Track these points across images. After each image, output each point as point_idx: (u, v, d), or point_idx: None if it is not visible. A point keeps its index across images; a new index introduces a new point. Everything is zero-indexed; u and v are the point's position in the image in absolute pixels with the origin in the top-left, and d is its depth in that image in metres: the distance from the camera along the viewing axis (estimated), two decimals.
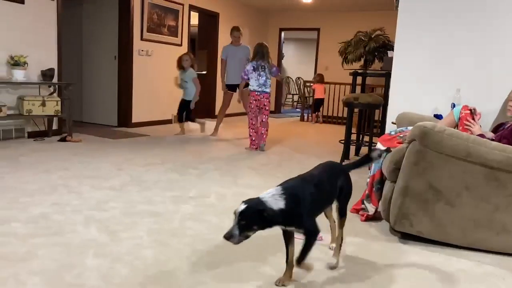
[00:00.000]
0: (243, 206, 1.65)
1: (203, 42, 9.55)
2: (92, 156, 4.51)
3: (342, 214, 2.11)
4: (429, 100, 3.89)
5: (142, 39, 6.99)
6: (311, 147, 6.02)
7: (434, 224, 2.45)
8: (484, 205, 2.38)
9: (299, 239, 2.44)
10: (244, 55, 6.20)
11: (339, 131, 7.44)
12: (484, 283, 2.09)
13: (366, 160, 2.22)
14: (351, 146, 5.04)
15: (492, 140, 2.58)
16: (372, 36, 6.52)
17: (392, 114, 4.00)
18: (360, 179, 3.74)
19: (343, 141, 5.05)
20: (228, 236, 1.63)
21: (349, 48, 6.90)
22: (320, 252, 2.28)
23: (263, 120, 5.51)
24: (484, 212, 2.38)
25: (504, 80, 3.59)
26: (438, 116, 3.61)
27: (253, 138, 5.43)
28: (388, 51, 6.11)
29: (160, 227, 2.57)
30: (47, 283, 1.83)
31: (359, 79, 5.77)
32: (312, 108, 9.78)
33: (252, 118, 5.43)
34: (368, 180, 3.01)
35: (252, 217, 1.64)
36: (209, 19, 9.02)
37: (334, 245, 2.21)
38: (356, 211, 3.01)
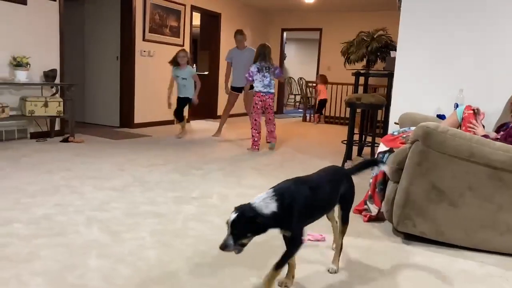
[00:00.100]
0: (233, 215, 1.62)
1: (205, 43, 9.56)
2: (95, 156, 4.52)
3: (344, 221, 2.05)
4: (432, 100, 3.88)
5: (144, 39, 6.99)
6: (313, 147, 6.01)
7: (437, 225, 2.44)
8: (488, 206, 2.37)
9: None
10: (249, 58, 6.20)
11: (342, 131, 7.43)
12: (487, 283, 2.08)
13: (370, 163, 2.20)
14: (353, 147, 5.02)
15: (497, 139, 2.57)
16: (375, 36, 6.50)
17: (394, 115, 3.99)
18: (362, 180, 3.73)
19: (345, 142, 5.04)
20: (223, 247, 1.62)
21: (351, 48, 6.88)
22: (320, 255, 2.27)
23: (270, 118, 5.56)
24: (488, 212, 2.37)
25: (507, 80, 3.58)
26: (441, 116, 3.60)
27: (256, 139, 5.43)
28: (390, 51, 6.10)
29: (163, 228, 2.57)
30: (50, 284, 1.83)
31: (361, 79, 5.77)
32: (316, 108, 9.75)
33: (256, 119, 5.43)
34: (371, 180, 3.00)
35: (244, 225, 1.62)
36: (211, 20, 9.03)
37: (335, 245, 2.18)
38: (359, 211, 3.01)
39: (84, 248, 2.21)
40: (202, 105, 9.06)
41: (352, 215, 2.64)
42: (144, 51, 7.02)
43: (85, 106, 7.30)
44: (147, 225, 2.60)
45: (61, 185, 3.37)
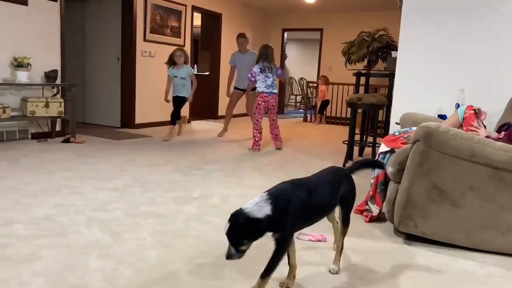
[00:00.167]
0: (227, 226, 1.61)
1: (206, 43, 9.57)
2: (95, 157, 4.52)
3: (344, 223, 2.02)
4: (433, 100, 3.88)
5: (145, 40, 7.00)
6: (314, 148, 6.00)
7: (439, 225, 2.44)
8: (489, 206, 2.36)
9: (304, 240, 2.44)
10: (252, 61, 6.21)
11: (343, 131, 7.43)
12: (489, 284, 2.08)
13: (370, 164, 2.20)
14: (354, 147, 5.02)
15: (498, 139, 2.57)
16: (376, 36, 6.51)
17: (396, 115, 3.98)
18: (364, 180, 3.73)
19: (346, 142, 5.04)
20: (228, 256, 1.63)
21: (352, 48, 6.89)
22: (321, 256, 2.26)
23: (274, 119, 5.58)
24: (489, 212, 2.37)
25: (508, 80, 3.58)
26: (442, 117, 3.60)
27: (256, 139, 5.43)
28: (391, 51, 6.10)
29: (164, 228, 2.56)
30: (51, 284, 1.83)
31: (362, 80, 5.76)
32: (318, 109, 9.73)
33: (258, 119, 5.43)
34: (372, 181, 3.00)
35: (238, 233, 1.61)
36: (211, 20, 9.03)
37: (336, 246, 2.17)
38: (360, 212, 3.00)
39: (84, 249, 2.21)
40: (202, 105, 9.10)
41: (353, 216, 2.64)
42: (145, 52, 7.03)
43: (86, 107, 7.30)
44: (147, 225, 2.60)
45: (62, 185, 3.37)
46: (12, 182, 3.39)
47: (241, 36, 6.32)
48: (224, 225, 1.64)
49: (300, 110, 12.33)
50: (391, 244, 2.52)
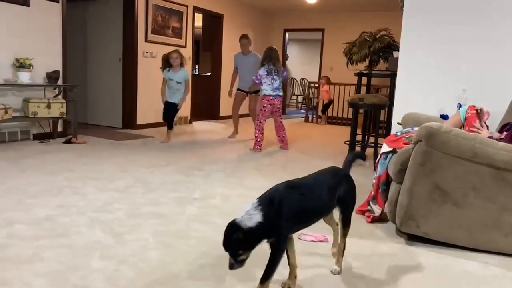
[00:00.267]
0: (222, 240, 1.61)
1: (207, 44, 9.57)
2: (97, 157, 4.52)
3: (345, 224, 1.99)
4: (435, 101, 3.87)
5: (146, 40, 7.00)
6: (316, 148, 6.00)
7: (441, 225, 2.43)
8: (492, 206, 2.35)
9: (306, 241, 2.43)
10: (253, 63, 6.22)
11: (344, 132, 7.42)
12: (491, 284, 2.07)
13: (356, 156, 2.16)
14: (356, 147, 5.01)
15: (500, 140, 2.56)
16: (377, 37, 6.51)
17: (397, 115, 3.98)
18: (365, 180, 3.72)
19: (348, 142, 5.03)
20: (231, 267, 1.63)
21: (353, 48, 6.89)
22: (323, 257, 2.26)
23: (280, 121, 5.61)
24: (492, 213, 2.36)
25: (510, 80, 3.56)
26: (444, 117, 3.59)
27: (258, 140, 5.43)
28: (393, 51, 6.10)
29: (165, 229, 2.56)
30: (53, 285, 1.83)
31: (364, 80, 5.76)
32: (322, 109, 9.71)
33: (261, 121, 5.44)
34: (374, 181, 2.99)
35: (233, 245, 1.61)
36: (213, 21, 9.03)
37: (335, 250, 2.12)
38: (362, 212, 3.00)
39: (86, 249, 2.21)
40: (204, 106, 9.11)
41: (355, 216, 2.63)
42: (147, 52, 7.03)
43: (88, 107, 7.31)
44: (149, 226, 2.60)
45: (63, 186, 3.37)
46: (14, 182, 3.39)
47: (244, 37, 6.33)
48: (226, 225, 1.64)
49: (302, 111, 12.32)
50: (393, 244, 2.51)
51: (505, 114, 3.24)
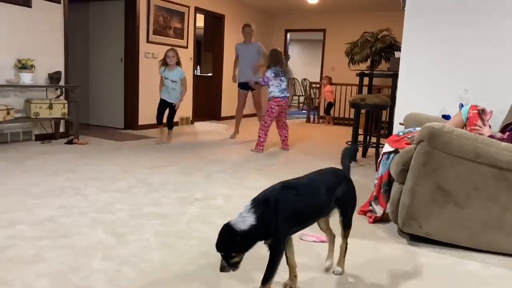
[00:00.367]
0: (216, 242, 1.61)
1: (208, 44, 9.58)
2: (99, 158, 4.53)
3: (345, 226, 1.97)
4: (436, 101, 3.87)
5: (148, 41, 7.01)
6: (317, 148, 6.00)
7: (443, 226, 2.43)
8: (494, 206, 2.35)
9: (308, 241, 2.43)
10: (254, 52, 6.22)
11: (346, 132, 7.42)
12: (493, 285, 2.06)
13: (349, 151, 2.11)
14: (358, 148, 5.01)
15: (502, 139, 2.55)
16: (379, 37, 6.50)
17: (399, 115, 3.97)
18: (367, 181, 3.72)
19: (350, 143, 5.03)
20: (222, 269, 1.63)
21: (355, 48, 6.89)
22: (323, 258, 2.25)
23: (285, 122, 5.63)
24: (494, 213, 2.35)
25: (511, 80, 3.56)
26: (446, 117, 3.58)
27: (262, 140, 5.44)
28: (395, 52, 6.09)
29: (167, 229, 2.56)
30: (55, 286, 1.83)
31: (365, 80, 5.75)
32: (325, 110, 9.69)
33: (267, 121, 5.45)
34: (376, 181, 2.99)
35: (226, 247, 1.60)
36: (214, 21, 9.04)
37: (328, 263, 2.06)
38: (364, 213, 2.99)
39: (88, 250, 2.21)
40: (205, 106, 9.11)
41: (357, 216, 2.63)
42: (148, 53, 7.04)
43: (90, 108, 7.32)
44: (151, 226, 2.60)
45: (65, 186, 3.37)
46: (16, 183, 3.40)
47: (247, 26, 6.34)
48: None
49: (303, 111, 12.31)
50: (395, 245, 2.51)
51: (508, 114, 3.23)
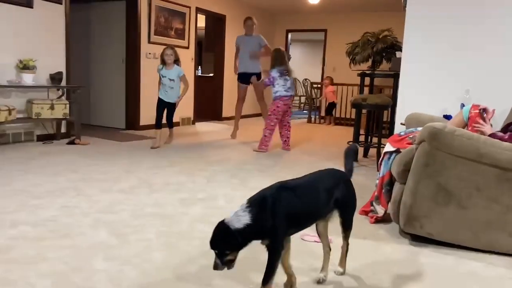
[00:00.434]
0: (210, 239, 1.61)
1: (210, 45, 9.59)
2: (101, 159, 4.53)
3: (345, 228, 1.95)
4: (438, 101, 3.87)
5: (149, 42, 7.02)
6: (319, 149, 5.99)
7: (445, 226, 2.42)
8: (496, 206, 2.35)
9: (309, 242, 2.43)
10: (256, 44, 6.21)
11: (347, 132, 7.41)
12: (496, 285, 2.06)
13: (351, 150, 2.09)
14: (359, 148, 5.00)
15: (504, 140, 2.55)
16: (380, 37, 6.49)
17: (401, 115, 3.97)
18: (368, 181, 3.72)
19: (351, 143, 5.03)
20: (215, 267, 1.64)
21: (356, 49, 6.87)
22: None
23: (288, 122, 5.66)
24: (496, 213, 2.35)
25: None
26: (448, 117, 3.58)
27: (267, 140, 5.46)
28: (396, 52, 6.08)
29: (169, 230, 2.57)
30: (57, 286, 1.83)
31: (367, 80, 5.75)
32: (326, 110, 9.69)
33: (273, 120, 5.46)
34: (377, 181, 2.99)
35: (218, 244, 1.61)
36: (216, 22, 9.05)
37: (322, 275, 1.96)
38: (365, 213, 2.99)
39: (90, 250, 2.22)
40: (207, 106, 9.12)
41: (358, 217, 2.64)
42: (150, 53, 7.05)
43: (91, 109, 7.33)
44: (153, 226, 2.60)
45: (67, 187, 3.38)
46: (18, 183, 3.41)
47: (249, 19, 6.35)
48: None
49: (304, 111, 12.31)
50: (396, 245, 2.51)
51: (510, 114, 3.22)
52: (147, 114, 7.10)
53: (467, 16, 3.73)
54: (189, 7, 7.84)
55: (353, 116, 5.66)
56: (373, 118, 5.96)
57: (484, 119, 2.74)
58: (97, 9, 7.12)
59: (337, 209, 1.90)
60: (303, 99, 13.54)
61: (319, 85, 10.38)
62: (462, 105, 3.55)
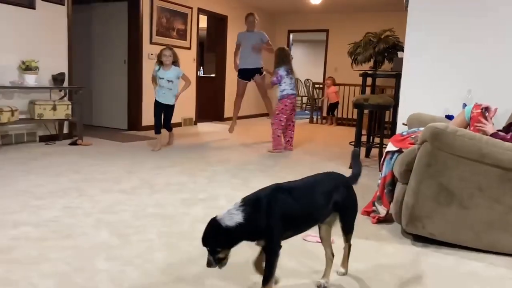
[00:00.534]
0: (202, 235, 1.61)
1: (211, 45, 9.60)
2: (103, 159, 4.54)
3: (346, 231, 1.93)
4: (440, 101, 3.86)
5: (151, 42, 7.02)
6: (321, 149, 5.99)
7: (447, 226, 2.42)
8: (498, 207, 2.34)
9: (312, 242, 2.43)
10: (258, 39, 6.19)
11: (349, 132, 7.41)
12: (497, 285, 2.06)
13: (356, 153, 2.07)
14: (361, 148, 5.00)
15: (506, 140, 2.54)
16: (382, 37, 6.47)
17: (402, 115, 3.97)
18: (370, 181, 3.72)
19: (353, 143, 5.02)
20: (208, 265, 1.64)
21: (358, 49, 6.85)
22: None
23: (293, 121, 5.69)
24: (498, 213, 2.35)
25: None
26: (450, 117, 3.57)
27: (280, 140, 5.50)
28: (398, 52, 6.07)
29: (171, 230, 2.57)
30: (59, 286, 1.84)
31: (369, 80, 5.74)
32: (328, 110, 9.68)
33: (281, 120, 5.48)
34: (379, 181, 2.98)
35: (209, 241, 1.60)
36: (217, 22, 9.05)
37: (323, 281, 1.92)
38: (367, 213, 2.99)
39: (92, 250, 2.22)
40: (208, 107, 9.12)
41: (360, 217, 2.63)
42: (152, 54, 7.05)
43: (93, 109, 7.35)
44: (154, 227, 2.60)
45: (69, 187, 3.39)
46: (20, 184, 3.41)
47: (251, 15, 6.32)
48: None
49: (306, 112, 12.30)
50: (398, 245, 2.50)
51: (511, 114, 3.22)
52: (149, 115, 7.07)
53: (469, 16, 3.72)
54: (191, 8, 7.85)
55: (355, 117, 5.64)
56: (375, 119, 5.94)
57: (486, 118, 2.73)
58: (99, 10, 7.14)
59: (337, 213, 1.87)
60: (305, 100, 13.54)
61: (321, 86, 10.37)
62: (464, 105, 3.54)
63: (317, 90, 10.62)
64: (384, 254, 2.37)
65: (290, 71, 5.51)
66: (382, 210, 2.89)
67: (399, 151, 2.82)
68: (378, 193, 2.97)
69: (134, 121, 7.02)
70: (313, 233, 2.39)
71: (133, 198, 3.18)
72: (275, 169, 4.46)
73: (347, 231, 1.94)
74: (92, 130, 6.63)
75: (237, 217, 1.58)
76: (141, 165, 4.34)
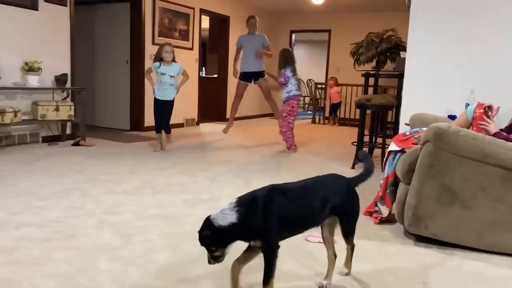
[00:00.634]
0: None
1: (214, 46, 9.61)
2: (105, 160, 4.55)
3: (346, 235, 1.91)
4: (442, 101, 3.85)
5: (153, 43, 7.03)
6: (323, 149, 5.98)
7: (450, 226, 2.41)
8: (500, 207, 2.33)
9: (314, 242, 2.43)
10: (259, 43, 6.19)
11: (352, 133, 7.40)
12: (500, 286, 2.05)
13: (367, 173, 2.00)
14: (363, 148, 4.99)
15: (508, 140, 2.53)
16: (384, 37, 6.46)
17: (405, 115, 3.96)
18: (373, 181, 3.70)
19: (355, 143, 5.01)
20: (209, 261, 1.66)
21: (360, 49, 6.85)
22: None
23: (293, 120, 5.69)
24: (500, 213, 2.34)
25: None
26: (452, 117, 3.56)
27: (292, 138, 5.51)
28: (400, 52, 6.06)
29: (173, 231, 2.57)
30: (61, 287, 1.84)
31: (371, 80, 5.74)
32: (330, 110, 9.67)
33: (290, 121, 5.50)
34: (382, 181, 2.98)
35: (205, 241, 1.61)
36: (219, 23, 9.06)
37: (325, 282, 1.90)
38: (369, 213, 2.98)
39: (95, 251, 2.22)
40: (211, 107, 9.13)
41: (362, 217, 2.63)
42: (154, 55, 7.06)
43: (96, 110, 7.36)
44: (157, 228, 2.61)
45: (72, 188, 3.39)
46: (23, 185, 3.42)
47: (252, 18, 6.31)
48: None
49: (309, 112, 12.30)
50: (401, 245, 2.50)
51: None
52: (152, 115, 7.11)
53: (471, 16, 3.71)
54: (193, 8, 7.86)
55: (357, 117, 5.64)
56: (378, 119, 5.94)
57: (489, 117, 2.72)
58: (102, 11, 7.15)
59: (337, 217, 1.85)
60: (307, 100, 13.53)
61: (323, 86, 10.36)
62: (467, 105, 3.53)
63: (320, 91, 10.61)
64: (386, 254, 2.36)
65: (294, 72, 5.53)
66: (384, 211, 2.88)
67: (402, 151, 2.81)
68: (380, 194, 2.96)
69: (137, 122, 7.03)
70: (315, 233, 2.39)
71: (135, 199, 3.19)
72: (277, 169, 4.46)
73: (347, 235, 1.92)
74: (94, 130, 6.65)
75: (231, 217, 1.58)
76: (143, 165, 4.34)
